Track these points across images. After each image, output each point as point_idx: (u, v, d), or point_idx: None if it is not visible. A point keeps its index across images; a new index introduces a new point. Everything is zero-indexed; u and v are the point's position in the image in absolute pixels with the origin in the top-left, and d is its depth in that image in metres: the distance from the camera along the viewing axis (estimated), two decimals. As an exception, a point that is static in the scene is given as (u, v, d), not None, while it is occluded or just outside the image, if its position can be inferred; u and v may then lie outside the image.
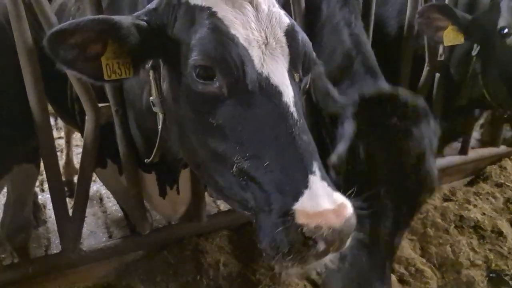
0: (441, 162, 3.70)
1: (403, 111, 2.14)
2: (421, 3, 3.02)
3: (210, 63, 1.50)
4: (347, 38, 2.59)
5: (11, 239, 3.10)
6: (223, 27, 1.51)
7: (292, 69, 1.58)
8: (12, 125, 2.31)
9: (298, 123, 1.47)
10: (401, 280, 2.92)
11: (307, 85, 1.75)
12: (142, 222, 2.70)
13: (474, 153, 3.89)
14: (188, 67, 1.55)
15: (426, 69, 3.18)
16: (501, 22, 2.76)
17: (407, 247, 3.09)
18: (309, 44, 1.66)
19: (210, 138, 1.58)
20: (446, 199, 3.60)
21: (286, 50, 1.56)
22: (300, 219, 1.30)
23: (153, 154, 2.09)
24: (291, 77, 1.56)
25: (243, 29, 1.52)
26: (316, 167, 1.40)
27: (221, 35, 1.50)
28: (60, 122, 5.45)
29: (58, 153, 5.11)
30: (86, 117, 2.30)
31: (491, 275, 3.09)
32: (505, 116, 3.49)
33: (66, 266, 2.53)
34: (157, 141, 1.95)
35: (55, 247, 3.66)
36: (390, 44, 3.34)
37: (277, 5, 1.65)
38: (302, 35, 1.64)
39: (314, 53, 1.71)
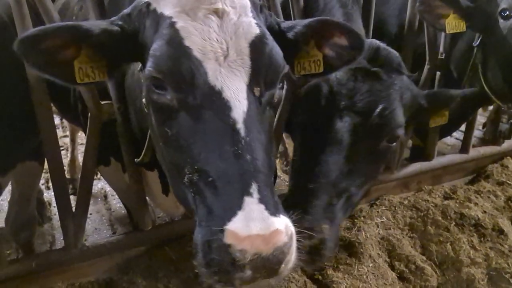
0: (442, 160, 3.72)
1: (375, 57, 2.31)
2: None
3: (161, 75, 1.50)
4: (340, 16, 2.68)
5: (15, 235, 3.15)
6: (178, 39, 1.49)
7: (253, 83, 1.52)
8: (15, 123, 2.34)
9: (243, 141, 1.44)
10: (401, 278, 2.93)
11: (275, 96, 1.66)
12: (144, 218, 2.73)
13: (476, 152, 3.89)
14: (145, 75, 1.56)
15: (426, 67, 3.19)
16: (503, 5, 2.75)
17: (407, 245, 3.10)
18: (277, 56, 1.60)
19: (168, 147, 1.60)
20: (446, 197, 3.60)
21: (248, 62, 1.51)
22: (228, 239, 1.30)
23: (142, 154, 2.12)
24: (250, 91, 1.51)
25: (201, 40, 1.49)
26: (254, 188, 1.37)
27: (173, 48, 1.48)
28: (65, 121, 5.50)
29: (64, 152, 5.24)
30: (89, 115, 2.33)
31: (491, 273, 3.09)
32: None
33: (69, 261, 2.56)
34: (146, 141, 1.99)
35: (60, 243, 3.71)
36: (390, 43, 3.35)
37: (251, 14, 1.60)
38: (271, 47, 1.58)
39: (286, 65, 1.65)
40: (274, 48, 1.60)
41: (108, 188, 4.64)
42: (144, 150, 2.07)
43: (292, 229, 1.41)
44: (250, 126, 1.47)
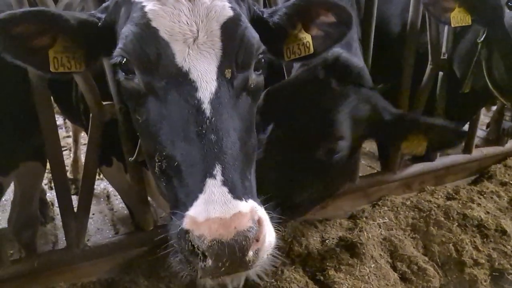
0: (445, 160, 3.71)
1: (331, 66, 2.27)
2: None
3: (127, 56, 1.49)
4: None
5: (18, 235, 3.16)
6: (145, 20, 1.48)
7: (224, 64, 1.49)
8: (17, 123, 2.35)
9: (208, 121, 1.39)
10: (403, 278, 2.92)
11: (250, 81, 1.61)
12: (146, 218, 2.74)
13: (479, 152, 3.88)
14: (113, 59, 1.54)
15: (429, 67, 3.18)
16: None
17: (409, 245, 3.09)
18: (250, 37, 1.57)
19: (141, 137, 1.60)
20: (449, 197, 3.59)
21: (218, 44, 1.49)
22: (187, 225, 1.23)
23: (136, 153, 2.12)
24: (221, 73, 1.49)
25: (169, 22, 1.47)
26: (218, 170, 1.31)
27: (140, 29, 1.48)
28: (68, 121, 5.52)
29: (66, 152, 5.25)
30: (91, 115, 2.34)
31: (494, 274, 3.08)
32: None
33: (71, 261, 2.57)
34: (139, 140, 1.97)
35: (62, 243, 3.71)
36: (393, 42, 3.35)
37: None
38: (243, 29, 1.56)
39: (261, 47, 1.61)
40: (248, 30, 1.57)
41: (110, 188, 4.64)
42: (137, 148, 2.07)
43: (260, 214, 1.32)
44: (218, 108, 1.43)
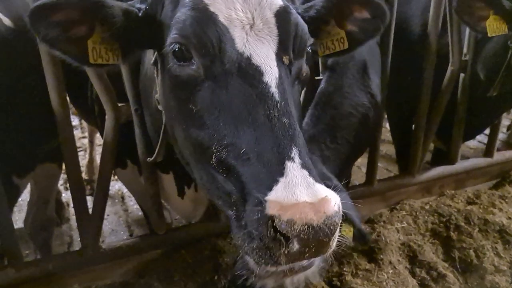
0: (466, 164, 3.62)
1: None
2: (445, 1, 2.94)
3: (185, 40, 1.46)
4: None
5: (34, 236, 3.17)
6: (202, 5, 1.46)
7: (282, 51, 1.49)
8: (34, 125, 2.35)
9: (279, 104, 1.36)
10: (422, 285, 2.85)
11: (302, 70, 1.63)
12: (159, 221, 2.72)
13: (500, 156, 3.77)
14: (167, 48, 1.51)
15: (449, 69, 3.10)
16: None
17: (429, 251, 3.02)
18: (303, 26, 1.58)
19: (192, 128, 1.52)
20: (470, 202, 3.50)
21: (275, 31, 1.49)
22: (271, 210, 1.16)
23: (156, 153, 2.06)
24: (279, 59, 1.48)
25: (226, 8, 1.46)
26: (295, 153, 1.27)
27: (198, 13, 1.46)
28: (84, 122, 5.55)
29: (82, 153, 5.28)
30: (106, 116, 2.32)
31: (516, 281, 3.00)
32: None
33: (85, 263, 2.55)
34: (160, 139, 1.94)
35: (77, 244, 3.72)
36: (413, 44, 3.28)
37: None
38: (296, 17, 1.57)
39: (309, 36, 1.62)
40: (299, 19, 1.59)
41: (125, 190, 4.65)
42: (157, 149, 2.03)
43: (338, 199, 1.26)
44: (284, 92, 1.41)
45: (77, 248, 2.62)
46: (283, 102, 1.38)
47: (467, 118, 3.31)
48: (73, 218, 4.20)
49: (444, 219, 3.23)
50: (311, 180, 1.23)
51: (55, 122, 2.27)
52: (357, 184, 3.54)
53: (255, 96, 1.38)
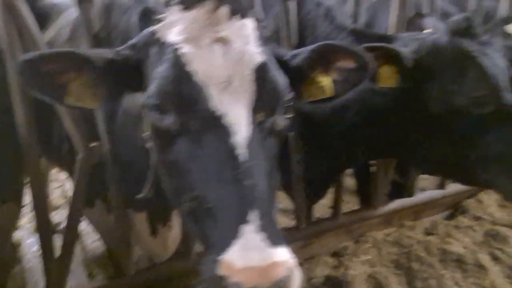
0: (422, 196, 3.77)
1: None
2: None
3: (164, 96, 1.50)
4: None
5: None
6: (182, 63, 1.50)
7: (255, 109, 1.53)
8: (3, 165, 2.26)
9: (243, 166, 1.41)
10: (388, 316, 2.94)
11: (279, 124, 1.64)
12: (128, 262, 2.64)
13: (453, 187, 3.95)
14: (146, 100, 1.55)
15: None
16: None
17: (394, 282, 3.11)
18: (279, 83, 1.61)
19: (168, 176, 1.60)
20: (428, 233, 3.66)
21: (250, 89, 1.52)
22: (223, 270, 1.24)
23: (147, 189, 2.04)
24: (253, 117, 1.52)
25: (204, 65, 1.50)
26: (254, 216, 1.31)
27: (178, 71, 1.50)
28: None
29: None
30: (77, 157, 2.27)
31: (475, 309, 3.13)
32: None
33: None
34: (150, 176, 1.92)
35: (31, 287, 3.52)
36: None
37: (255, 43, 1.61)
38: (273, 75, 1.60)
39: (289, 92, 1.65)
40: (277, 76, 1.61)
41: (82, 227, 4.46)
42: (148, 185, 2.02)
43: (292, 262, 1.31)
44: (251, 152, 1.45)
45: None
46: (248, 164, 1.42)
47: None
48: (25, 258, 3.97)
49: (406, 250, 3.36)
50: (264, 243, 1.28)
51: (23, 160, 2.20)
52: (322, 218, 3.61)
53: (224, 155, 1.43)
